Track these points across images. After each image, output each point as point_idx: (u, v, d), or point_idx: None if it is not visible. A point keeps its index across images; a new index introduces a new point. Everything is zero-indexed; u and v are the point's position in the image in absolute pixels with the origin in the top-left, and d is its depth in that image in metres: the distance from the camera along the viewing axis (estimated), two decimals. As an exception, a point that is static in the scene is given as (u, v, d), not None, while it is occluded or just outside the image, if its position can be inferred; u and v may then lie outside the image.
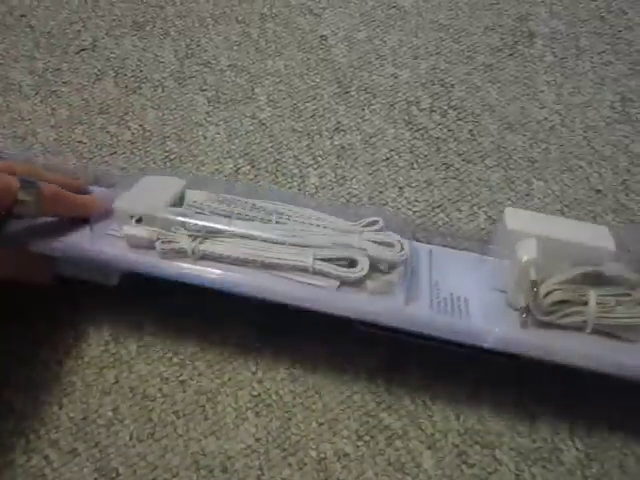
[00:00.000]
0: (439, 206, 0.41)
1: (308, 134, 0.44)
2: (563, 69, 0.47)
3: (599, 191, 0.41)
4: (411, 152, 0.43)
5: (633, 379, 0.30)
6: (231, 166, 0.43)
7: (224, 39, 0.49)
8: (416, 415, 0.34)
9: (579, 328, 0.30)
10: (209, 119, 0.45)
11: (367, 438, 0.34)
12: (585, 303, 0.30)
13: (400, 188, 0.41)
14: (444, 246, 0.37)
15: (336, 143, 0.44)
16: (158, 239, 0.33)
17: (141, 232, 0.33)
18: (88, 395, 0.36)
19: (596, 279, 0.30)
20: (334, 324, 0.36)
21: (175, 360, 0.36)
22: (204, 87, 0.47)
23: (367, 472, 0.33)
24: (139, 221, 0.34)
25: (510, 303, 0.32)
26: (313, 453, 0.33)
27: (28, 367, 0.37)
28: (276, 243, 0.32)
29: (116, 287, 0.36)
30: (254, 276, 0.32)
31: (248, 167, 0.43)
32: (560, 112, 0.45)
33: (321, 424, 0.34)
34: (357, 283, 0.32)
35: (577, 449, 0.33)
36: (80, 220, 0.35)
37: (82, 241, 0.34)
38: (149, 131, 0.45)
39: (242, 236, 0.33)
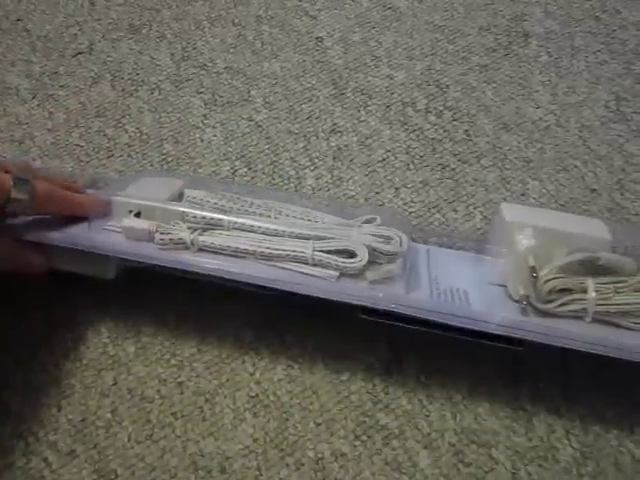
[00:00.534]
0: (435, 206, 0.41)
1: (304, 136, 0.44)
2: (558, 69, 0.47)
3: (594, 190, 0.41)
4: (407, 153, 0.43)
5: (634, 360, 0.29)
6: (228, 168, 0.43)
7: (220, 42, 0.49)
8: (413, 415, 0.34)
9: (578, 317, 0.30)
10: (206, 121, 0.45)
11: (364, 438, 0.34)
12: (584, 291, 0.30)
13: (396, 189, 0.42)
14: (440, 246, 0.37)
15: (332, 144, 0.44)
16: (157, 231, 0.33)
17: (140, 224, 0.33)
18: (87, 397, 0.36)
19: (593, 267, 0.30)
20: (332, 324, 0.37)
21: (173, 362, 0.37)
22: (200, 90, 0.47)
23: (364, 472, 0.33)
24: (138, 215, 0.34)
25: (510, 295, 0.32)
26: (311, 453, 0.33)
27: (26, 369, 0.37)
28: (275, 235, 0.32)
29: (113, 282, 0.36)
30: (254, 266, 0.32)
31: (245, 169, 0.43)
32: (555, 112, 0.45)
33: (318, 424, 0.34)
34: (357, 274, 0.32)
35: (573, 447, 0.33)
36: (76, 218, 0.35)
37: (79, 232, 0.34)
38: (146, 134, 0.45)
39: (241, 228, 0.33)
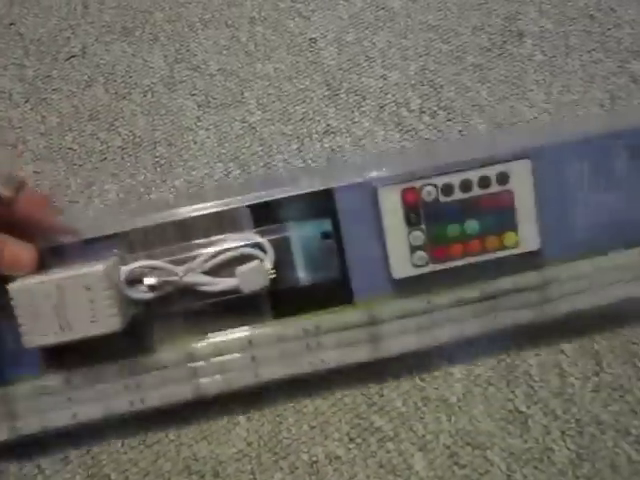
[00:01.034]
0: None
1: (298, 137, 0.44)
2: (552, 68, 0.47)
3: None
4: (401, 154, 0.43)
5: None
6: (221, 170, 0.43)
7: (213, 43, 0.49)
8: (407, 417, 0.34)
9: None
10: (199, 124, 0.45)
11: (359, 440, 0.34)
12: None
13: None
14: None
15: (326, 146, 0.44)
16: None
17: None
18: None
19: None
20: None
21: (166, 365, 0.36)
22: (194, 92, 0.47)
23: (359, 475, 0.33)
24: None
25: None
26: (305, 456, 0.33)
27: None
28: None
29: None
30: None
31: (238, 171, 0.43)
32: (550, 111, 0.45)
33: (312, 427, 0.34)
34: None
35: (568, 449, 0.33)
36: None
37: None
38: (139, 137, 0.45)
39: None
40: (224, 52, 0.48)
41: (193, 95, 0.46)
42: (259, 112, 0.45)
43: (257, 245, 0.32)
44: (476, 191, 0.33)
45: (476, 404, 0.34)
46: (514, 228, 0.33)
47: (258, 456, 0.33)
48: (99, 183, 0.43)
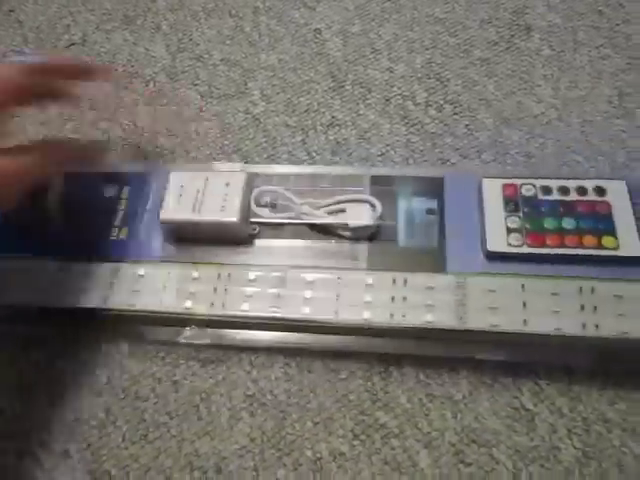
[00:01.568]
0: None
1: (302, 129, 0.44)
2: (560, 63, 0.46)
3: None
4: (407, 147, 0.42)
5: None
6: (225, 161, 0.42)
7: (217, 33, 0.48)
8: (412, 414, 0.34)
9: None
10: (202, 114, 0.44)
11: (363, 437, 0.33)
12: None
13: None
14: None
15: (331, 138, 0.43)
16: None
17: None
18: (80, 396, 0.35)
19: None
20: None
21: (168, 360, 0.36)
22: (196, 82, 0.46)
23: (363, 472, 0.32)
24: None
25: None
26: (308, 453, 0.33)
27: (18, 368, 0.36)
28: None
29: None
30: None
31: (242, 163, 0.42)
32: (557, 106, 0.44)
33: (316, 423, 0.34)
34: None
35: (575, 447, 0.32)
36: None
37: None
38: (141, 127, 0.44)
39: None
40: (227, 42, 0.48)
41: (196, 85, 0.46)
42: (263, 103, 0.45)
43: (370, 204, 0.37)
44: (574, 196, 0.36)
45: (482, 401, 0.34)
46: (612, 233, 0.34)
47: (261, 452, 0.33)
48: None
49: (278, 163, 0.42)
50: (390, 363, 0.35)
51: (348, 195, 0.38)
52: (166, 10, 0.49)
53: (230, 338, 0.35)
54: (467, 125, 0.43)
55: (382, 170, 0.40)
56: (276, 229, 0.37)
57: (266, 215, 0.37)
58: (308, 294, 0.35)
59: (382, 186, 0.38)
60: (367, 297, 0.34)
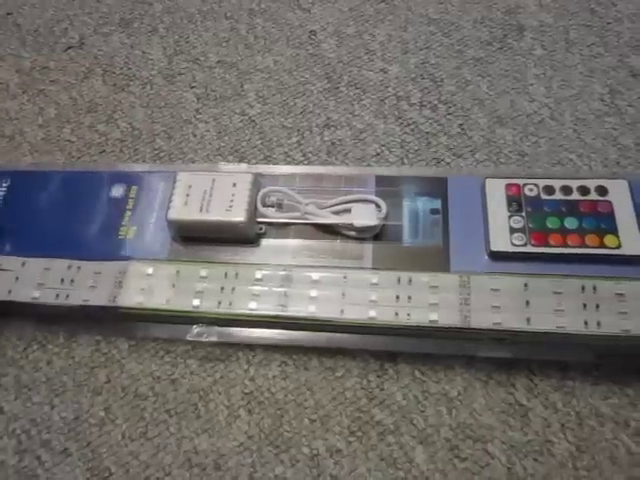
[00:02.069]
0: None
1: (298, 130, 0.44)
2: (552, 62, 0.47)
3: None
4: (401, 147, 0.43)
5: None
6: (221, 163, 0.43)
7: (213, 35, 0.48)
8: (408, 410, 0.34)
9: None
10: (198, 116, 0.45)
11: (359, 434, 0.34)
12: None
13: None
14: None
15: (326, 139, 0.44)
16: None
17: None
18: (79, 395, 0.36)
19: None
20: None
21: (167, 359, 0.36)
22: (193, 84, 0.46)
23: (360, 467, 0.33)
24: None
25: None
26: (306, 449, 0.33)
27: (18, 367, 0.37)
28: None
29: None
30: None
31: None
32: (550, 105, 0.44)
33: (313, 421, 0.34)
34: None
35: (568, 441, 0.33)
36: None
37: None
38: (138, 129, 0.44)
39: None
40: (223, 44, 0.48)
41: (192, 87, 0.46)
42: (259, 105, 0.45)
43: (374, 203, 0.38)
44: (576, 195, 0.36)
45: (477, 397, 0.34)
46: (615, 232, 0.35)
47: (259, 449, 0.33)
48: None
49: (275, 164, 0.43)
50: (385, 361, 0.35)
51: (353, 195, 0.38)
52: (162, 13, 0.50)
53: (237, 336, 0.36)
54: (461, 125, 0.44)
55: (386, 170, 0.41)
56: (282, 229, 0.38)
57: (272, 215, 0.38)
58: (314, 293, 0.35)
59: (386, 186, 0.39)
60: (372, 296, 0.35)
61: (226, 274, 0.36)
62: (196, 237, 0.37)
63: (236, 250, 0.37)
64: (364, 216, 0.37)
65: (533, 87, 0.45)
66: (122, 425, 0.35)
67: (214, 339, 0.35)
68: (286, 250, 0.37)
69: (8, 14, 0.50)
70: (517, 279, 0.34)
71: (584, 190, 0.37)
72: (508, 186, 0.37)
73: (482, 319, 0.33)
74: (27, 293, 0.37)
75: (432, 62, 0.47)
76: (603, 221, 0.35)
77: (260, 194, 0.38)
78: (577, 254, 0.34)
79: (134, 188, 0.40)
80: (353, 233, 0.37)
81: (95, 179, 0.41)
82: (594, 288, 0.34)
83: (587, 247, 0.35)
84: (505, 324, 0.33)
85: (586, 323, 0.33)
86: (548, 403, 0.34)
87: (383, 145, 0.43)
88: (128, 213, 0.39)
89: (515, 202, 0.36)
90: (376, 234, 0.37)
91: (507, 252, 0.35)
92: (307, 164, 0.42)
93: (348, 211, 0.37)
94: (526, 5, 0.50)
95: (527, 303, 0.34)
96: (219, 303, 0.35)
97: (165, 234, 0.38)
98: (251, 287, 0.36)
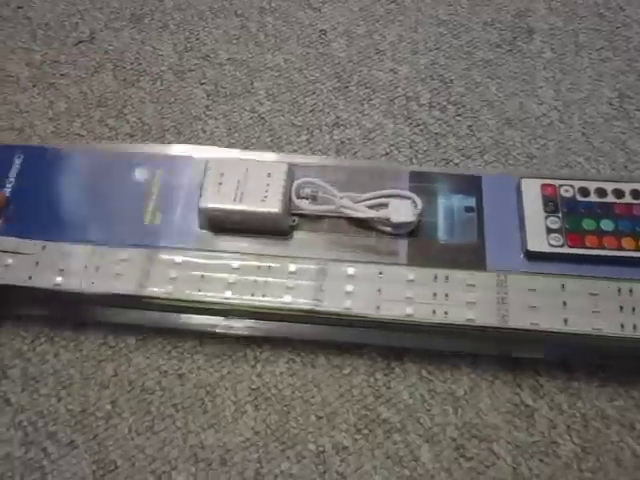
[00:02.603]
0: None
1: (307, 129, 0.44)
2: (562, 65, 0.47)
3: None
4: (410, 147, 0.43)
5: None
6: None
7: (223, 33, 0.49)
8: (414, 409, 0.34)
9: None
10: (208, 113, 0.45)
11: (366, 431, 0.34)
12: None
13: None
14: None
15: (335, 138, 0.44)
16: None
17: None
18: (86, 388, 0.36)
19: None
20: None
21: (174, 353, 0.36)
22: (203, 80, 0.46)
23: (365, 465, 0.33)
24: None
25: None
26: (312, 446, 0.33)
27: (25, 360, 0.37)
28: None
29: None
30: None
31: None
32: (558, 108, 0.45)
33: (320, 417, 0.34)
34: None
35: (574, 443, 0.33)
36: None
37: None
38: (148, 124, 0.44)
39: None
40: (234, 41, 0.48)
41: (202, 84, 0.46)
42: (269, 102, 0.45)
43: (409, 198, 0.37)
44: (611, 198, 0.36)
45: (482, 397, 0.34)
46: None
47: (265, 445, 0.34)
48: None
49: (305, 154, 0.43)
50: (392, 359, 0.36)
51: (389, 190, 0.38)
52: (173, 9, 0.50)
53: (268, 329, 0.35)
54: (470, 126, 0.44)
55: (421, 167, 0.41)
56: (315, 221, 0.37)
57: (306, 207, 0.37)
58: (349, 288, 0.35)
59: (420, 183, 0.38)
60: (408, 293, 0.34)
61: (259, 267, 0.36)
62: (228, 227, 0.37)
63: (268, 242, 0.37)
64: (401, 212, 0.36)
65: (542, 90, 0.46)
66: (129, 419, 0.35)
67: (245, 333, 0.35)
68: (319, 243, 0.37)
69: (19, 7, 0.50)
70: (554, 279, 0.34)
71: (619, 193, 0.37)
72: (544, 186, 0.37)
73: (520, 319, 0.33)
74: (49, 279, 0.36)
75: (442, 63, 0.47)
76: (638, 224, 0.35)
77: (294, 185, 0.37)
78: (613, 256, 0.35)
79: (158, 172, 0.39)
80: (389, 229, 0.37)
81: (118, 161, 0.40)
82: (630, 291, 0.34)
83: (623, 250, 0.35)
84: (542, 325, 0.33)
85: (622, 326, 0.33)
86: (554, 404, 0.34)
87: (392, 145, 0.43)
88: (153, 198, 0.38)
89: (551, 202, 0.37)
90: (411, 230, 0.37)
91: (544, 252, 0.35)
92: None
93: (383, 206, 0.37)
94: (536, 8, 0.50)
95: (564, 304, 0.34)
96: (252, 295, 0.35)
97: (193, 222, 0.37)
98: (285, 280, 0.35)
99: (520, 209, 0.37)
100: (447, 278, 0.35)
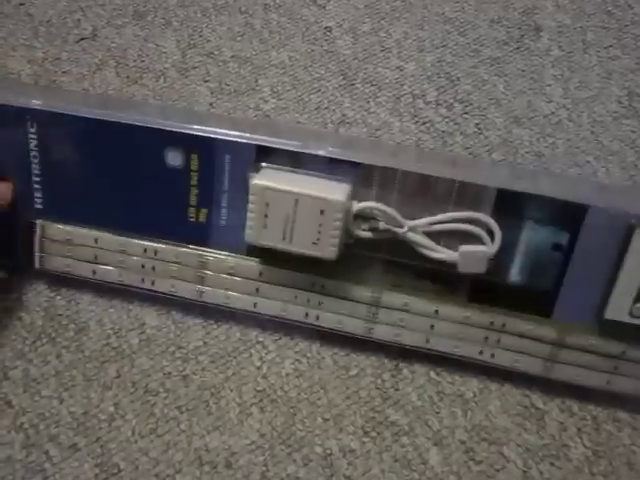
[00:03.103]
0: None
1: (313, 126, 0.44)
2: (570, 63, 0.46)
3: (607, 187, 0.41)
4: (417, 145, 0.43)
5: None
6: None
7: (227, 30, 0.48)
8: (423, 411, 0.34)
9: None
10: (212, 110, 0.44)
11: (373, 434, 0.33)
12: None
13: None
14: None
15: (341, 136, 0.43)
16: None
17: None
18: (89, 389, 0.35)
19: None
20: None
21: (178, 354, 0.36)
22: (207, 78, 0.46)
23: (373, 468, 0.32)
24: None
25: None
26: (318, 449, 0.33)
27: (26, 361, 0.36)
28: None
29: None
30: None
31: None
32: (567, 106, 0.44)
33: (326, 420, 0.34)
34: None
35: (585, 446, 0.32)
36: None
37: None
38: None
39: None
40: (238, 39, 0.48)
41: (206, 81, 0.46)
42: (273, 100, 0.45)
43: (487, 229, 0.32)
44: None
45: (492, 400, 0.34)
46: None
47: (271, 448, 0.33)
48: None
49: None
50: (400, 361, 0.35)
51: (461, 213, 0.32)
52: (176, 6, 0.49)
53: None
54: (477, 124, 0.43)
55: (511, 183, 0.32)
56: (371, 245, 0.34)
57: (365, 236, 0.33)
58: (402, 317, 0.34)
59: (507, 203, 0.32)
60: (461, 329, 0.33)
61: (313, 284, 0.34)
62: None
63: (319, 262, 0.33)
64: (471, 260, 0.32)
65: (550, 88, 0.45)
66: (132, 421, 0.34)
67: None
68: (373, 268, 0.34)
69: (21, 4, 0.49)
70: (616, 345, 0.32)
71: None
72: None
73: (565, 374, 0.32)
74: (110, 275, 0.35)
75: (448, 61, 0.47)
76: None
77: (352, 212, 0.32)
78: None
79: (194, 157, 0.34)
80: (454, 262, 0.32)
81: (147, 137, 0.35)
82: None
83: None
84: (584, 382, 0.32)
85: None
86: (564, 407, 0.33)
87: (399, 143, 0.43)
88: (194, 191, 0.34)
89: None
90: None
91: (620, 322, 0.31)
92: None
93: (452, 236, 0.32)
94: (543, 6, 0.50)
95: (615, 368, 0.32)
96: (306, 315, 0.34)
97: (240, 222, 0.33)
98: (339, 301, 0.34)
99: (617, 262, 0.31)
100: (504, 325, 0.33)
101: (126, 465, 0.33)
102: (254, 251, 0.34)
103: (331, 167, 0.33)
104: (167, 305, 0.37)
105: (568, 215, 0.31)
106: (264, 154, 0.34)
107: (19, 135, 0.36)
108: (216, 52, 0.47)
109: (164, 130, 0.34)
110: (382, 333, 0.34)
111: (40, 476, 0.33)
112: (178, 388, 0.35)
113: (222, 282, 0.35)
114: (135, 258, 0.35)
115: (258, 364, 0.35)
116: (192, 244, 0.35)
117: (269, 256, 0.34)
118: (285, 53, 0.47)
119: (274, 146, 0.34)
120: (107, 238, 0.35)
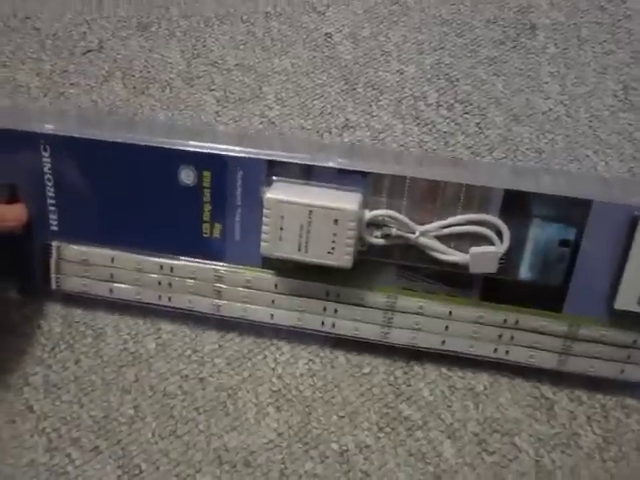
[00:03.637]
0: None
1: (317, 131, 0.44)
2: (566, 60, 0.47)
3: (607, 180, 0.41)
4: (420, 147, 0.43)
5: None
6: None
7: (230, 39, 0.49)
8: (435, 406, 0.34)
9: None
10: (218, 118, 0.45)
11: (388, 429, 0.34)
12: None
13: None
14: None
15: (345, 140, 0.44)
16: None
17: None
18: (108, 393, 0.36)
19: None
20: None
21: (194, 357, 0.37)
22: (212, 87, 0.47)
23: (389, 463, 0.33)
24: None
25: None
26: (335, 446, 0.34)
27: (46, 367, 0.37)
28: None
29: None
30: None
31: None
32: (564, 102, 0.45)
33: (341, 417, 0.34)
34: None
35: (595, 433, 0.33)
36: None
37: None
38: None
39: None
40: (241, 47, 0.49)
41: (212, 90, 0.47)
42: (278, 107, 0.46)
43: (496, 229, 0.33)
44: None
45: (502, 392, 0.35)
46: None
47: (288, 446, 0.34)
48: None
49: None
50: (411, 358, 0.36)
51: (470, 215, 0.33)
52: (179, 17, 0.50)
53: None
54: (478, 123, 0.44)
55: (521, 183, 0.34)
56: (384, 251, 0.34)
57: (377, 242, 0.34)
58: (417, 320, 0.34)
59: (514, 203, 0.33)
60: (475, 329, 0.34)
61: (327, 292, 0.35)
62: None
63: (333, 271, 0.34)
64: (482, 260, 0.33)
65: (547, 85, 0.46)
66: (152, 423, 0.35)
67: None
68: (387, 274, 0.35)
69: (27, 18, 0.50)
70: (628, 334, 0.33)
71: None
72: None
73: (579, 366, 0.33)
74: (127, 293, 0.36)
75: (447, 62, 0.48)
76: None
77: (365, 220, 0.33)
78: None
79: (206, 174, 0.35)
80: (465, 263, 0.33)
81: (159, 158, 0.36)
82: None
83: None
84: (598, 372, 0.33)
85: None
86: (573, 396, 0.34)
87: (402, 145, 0.44)
88: (207, 207, 0.35)
89: None
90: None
91: (632, 312, 0.32)
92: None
93: (462, 239, 0.33)
94: (538, 4, 0.51)
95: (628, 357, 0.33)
96: (322, 324, 0.35)
97: (255, 237, 0.34)
98: (354, 309, 0.35)
99: (623, 254, 0.31)
100: (517, 322, 0.34)
101: (147, 466, 0.34)
102: (268, 263, 0.35)
103: (341, 177, 0.34)
104: (182, 317, 0.37)
105: (573, 211, 0.32)
106: (274, 168, 0.35)
107: (33, 159, 0.37)
108: (220, 61, 0.48)
109: (176, 149, 0.36)
110: (398, 337, 0.34)
111: (63, 478, 0.34)
112: (195, 390, 0.36)
113: (239, 295, 0.35)
114: (151, 275, 0.36)
115: (273, 365, 0.36)
116: (207, 259, 0.36)
117: (283, 267, 0.34)
118: (287, 60, 0.48)
119: (284, 160, 0.35)
120: (123, 257, 0.36)
